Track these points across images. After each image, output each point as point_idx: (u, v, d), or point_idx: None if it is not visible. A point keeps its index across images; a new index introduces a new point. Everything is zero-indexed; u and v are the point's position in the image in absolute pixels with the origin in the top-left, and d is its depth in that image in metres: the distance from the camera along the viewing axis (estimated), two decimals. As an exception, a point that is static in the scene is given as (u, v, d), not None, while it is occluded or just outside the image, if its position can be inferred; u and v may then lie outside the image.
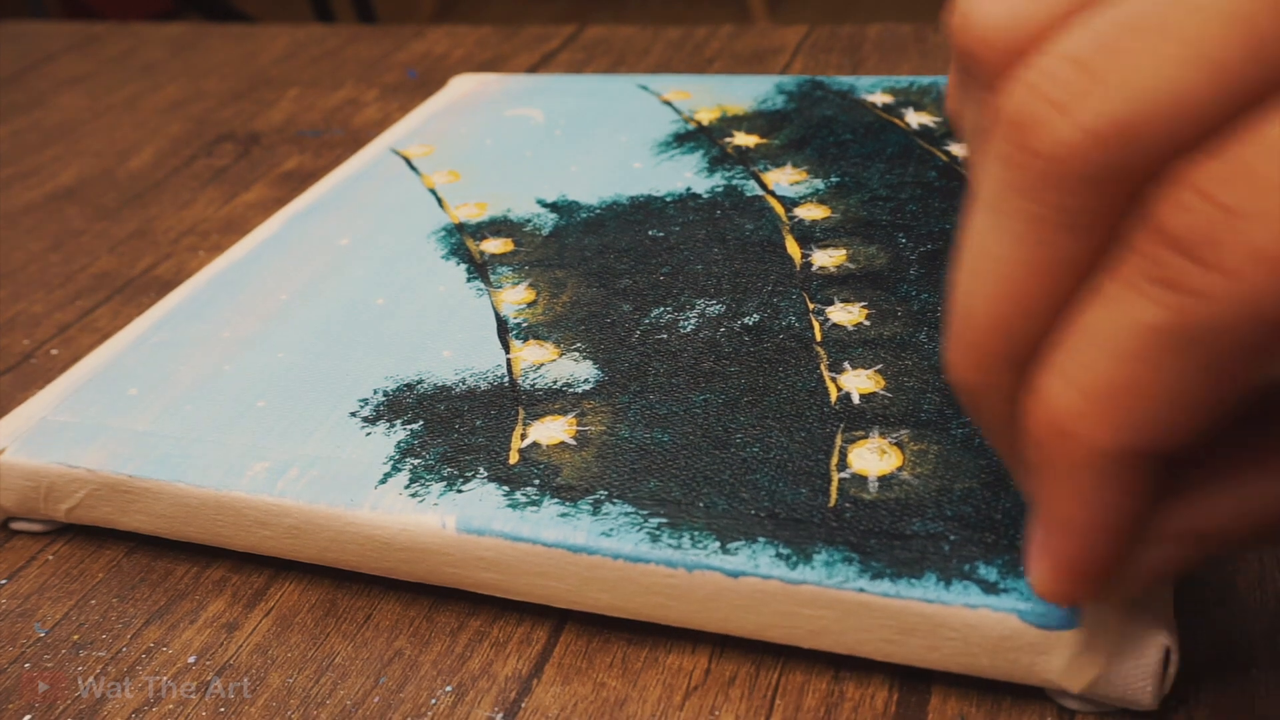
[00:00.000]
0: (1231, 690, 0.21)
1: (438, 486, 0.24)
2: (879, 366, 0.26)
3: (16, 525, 0.28)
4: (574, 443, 0.25)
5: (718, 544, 0.22)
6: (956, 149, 0.36)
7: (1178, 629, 0.20)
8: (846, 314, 0.28)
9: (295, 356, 0.29)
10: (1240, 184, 0.13)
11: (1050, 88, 0.14)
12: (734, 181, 0.35)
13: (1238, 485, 0.17)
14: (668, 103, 0.42)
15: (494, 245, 0.33)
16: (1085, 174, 0.14)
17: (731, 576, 0.21)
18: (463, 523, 0.23)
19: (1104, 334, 0.15)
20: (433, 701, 0.22)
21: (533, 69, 0.54)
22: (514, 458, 0.25)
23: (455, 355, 0.28)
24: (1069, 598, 0.17)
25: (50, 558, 0.27)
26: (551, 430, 0.25)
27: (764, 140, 0.38)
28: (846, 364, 0.26)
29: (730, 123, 0.39)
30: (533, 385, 0.27)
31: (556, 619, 0.24)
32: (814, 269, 0.30)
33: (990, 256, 0.15)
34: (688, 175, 0.36)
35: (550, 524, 0.23)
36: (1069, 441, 0.15)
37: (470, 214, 0.35)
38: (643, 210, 0.34)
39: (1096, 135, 0.14)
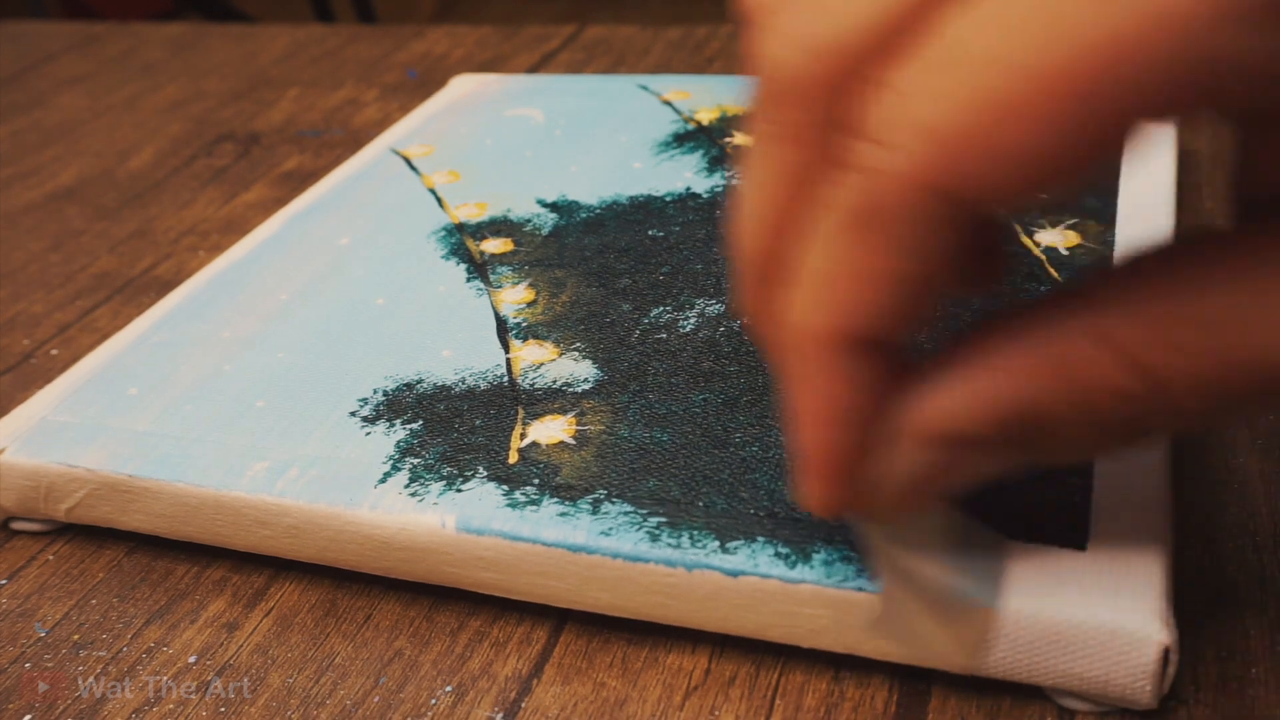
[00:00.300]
0: (1231, 690, 0.21)
1: (437, 486, 0.24)
2: (879, 366, 0.26)
3: (16, 525, 0.28)
4: (573, 442, 0.25)
5: (717, 543, 0.22)
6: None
7: (1177, 628, 0.20)
8: (846, 313, 0.28)
9: (295, 356, 0.29)
10: (911, 69, 0.14)
11: (784, 21, 0.16)
12: (734, 181, 0.35)
13: (970, 379, 0.17)
14: (668, 103, 0.42)
15: (494, 245, 0.33)
16: (803, 88, 0.16)
17: (731, 576, 0.21)
18: (462, 522, 0.23)
19: (816, 229, 0.16)
20: (433, 701, 0.22)
21: (533, 69, 0.54)
22: (513, 457, 0.25)
23: (455, 355, 0.28)
24: (823, 504, 0.18)
25: (50, 558, 0.27)
26: (551, 430, 0.25)
27: (764, 140, 0.38)
28: (846, 363, 0.26)
29: (730, 123, 0.39)
30: (532, 385, 0.27)
31: (556, 619, 0.24)
32: (814, 269, 0.30)
33: (748, 184, 0.17)
34: (688, 175, 0.36)
35: (550, 523, 0.23)
36: (793, 335, 0.17)
37: (470, 214, 0.35)
38: (642, 210, 0.34)
39: (811, 51, 0.16)
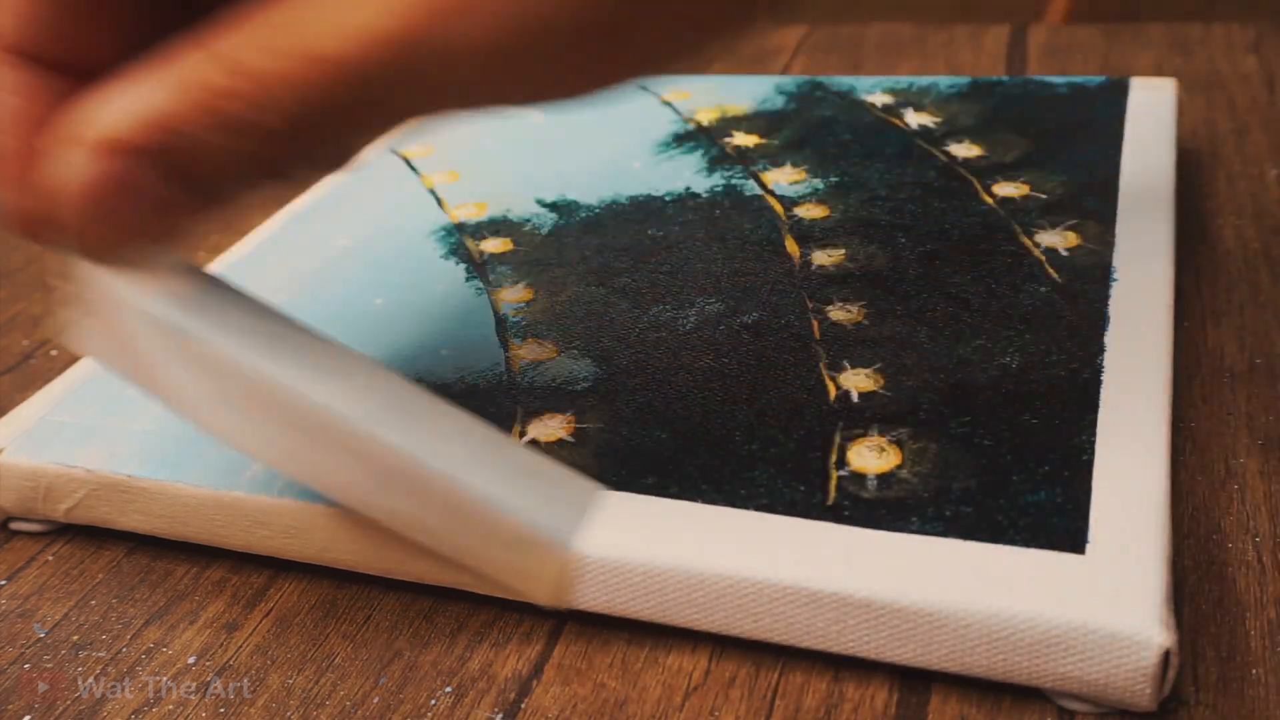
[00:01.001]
0: (1231, 690, 0.21)
1: (437, 486, 0.24)
2: (878, 365, 0.26)
3: (16, 525, 0.28)
4: (572, 440, 0.25)
5: (717, 544, 0.22)
6: (956, 149, 0.36)
7: (1177, 630, 0.20)
8: (845, 313, 0.28)
9: (294, 356, 0.29)
10: None
11: None
12: (733, 181, 0.35)
13: (121, 91, 0.19)
14: (667, 103, 0.42)
15: (493, 245, 0.33)
16: None
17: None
18: (462, 522, 0.23)
19: None
20: (432, 702, 0.22)
21: (532, 69, 0.54)
22: (513, 457, 0.25)
23: (454, 354, 0.28)
24: (8, 211, 0.20)
25: (50, 558, 0.27)
26: (549, 428, 0.25)
27: (763, 140, 0.38)
28: (845, 362, 0.26)
29: (730, 123, 0.39)
30: (531, 383, 0.27)
31: (556, 619, 0.24)
32: (813, 268, 0.30)
33: None
34: (687, 175, 0.36)
35: (549, 524, 0.23)
36: None
37: (470, 214, 0.35)
38: (642, 210, 0.34)
39: None
